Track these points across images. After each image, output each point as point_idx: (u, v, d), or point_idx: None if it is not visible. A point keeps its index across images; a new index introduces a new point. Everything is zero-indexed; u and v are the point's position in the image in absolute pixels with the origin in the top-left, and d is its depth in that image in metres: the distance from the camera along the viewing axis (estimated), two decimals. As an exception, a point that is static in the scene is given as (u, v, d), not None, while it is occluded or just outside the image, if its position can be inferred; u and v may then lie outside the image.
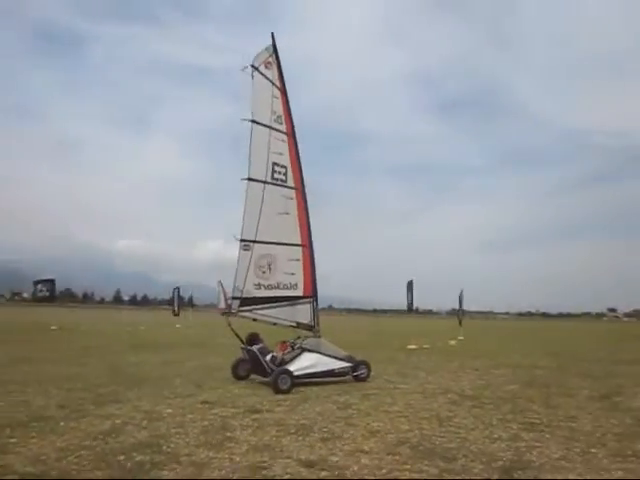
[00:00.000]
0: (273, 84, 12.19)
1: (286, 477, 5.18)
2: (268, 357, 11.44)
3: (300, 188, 12.40)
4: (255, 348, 11.52)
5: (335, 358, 12.02)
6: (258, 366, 11.42)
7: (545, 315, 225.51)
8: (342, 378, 11.90)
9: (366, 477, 5.27)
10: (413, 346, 23.93)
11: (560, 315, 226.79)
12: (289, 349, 11.79)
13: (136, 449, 5.98)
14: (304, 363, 11.26)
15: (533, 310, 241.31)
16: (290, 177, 12.27)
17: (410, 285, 28.06)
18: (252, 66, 11.84)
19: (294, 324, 12.28)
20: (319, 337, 12.36)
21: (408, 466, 5.62)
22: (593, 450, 6.49)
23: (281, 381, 10.52)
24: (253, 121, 11.75)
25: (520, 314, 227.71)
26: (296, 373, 10.90)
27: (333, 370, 11.82)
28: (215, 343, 23.78)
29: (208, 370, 13.54)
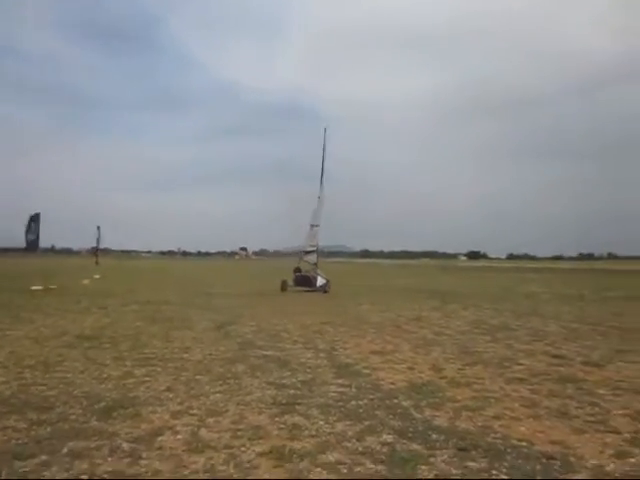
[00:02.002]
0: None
1: None
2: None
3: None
4: (305, 273, 24.43)
5: (323, 278, 24.01)
6: (307, 282, 23.73)
7: (185, 254, 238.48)
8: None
9: None
10: (38, 287, 21.73)
11: (199, 254, 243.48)
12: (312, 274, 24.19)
13: None
14: (321, 281, 23.71)
15: (175, 249, 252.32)
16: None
17: (35, 219, 24.82)
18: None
19: (312, 263, 24.77)
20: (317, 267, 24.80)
21: (-11, 425, 4.83)
22: (198, 377, 6.86)
23: (327, 288, 23.37)
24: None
25: (162, 253, 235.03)
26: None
27: (326, 284, 23.75)
28: None
29: None
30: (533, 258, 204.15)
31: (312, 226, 24.82)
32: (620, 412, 5.46)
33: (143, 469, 3.92)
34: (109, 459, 4.10)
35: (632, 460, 4.19)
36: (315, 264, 24.80)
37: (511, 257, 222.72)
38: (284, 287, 23.71)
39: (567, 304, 18.36)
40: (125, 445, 4.39)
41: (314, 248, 25.09)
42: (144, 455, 4.18)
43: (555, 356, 8.60)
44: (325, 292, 22.78)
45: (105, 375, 6.89)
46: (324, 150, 25.02)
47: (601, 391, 6.32)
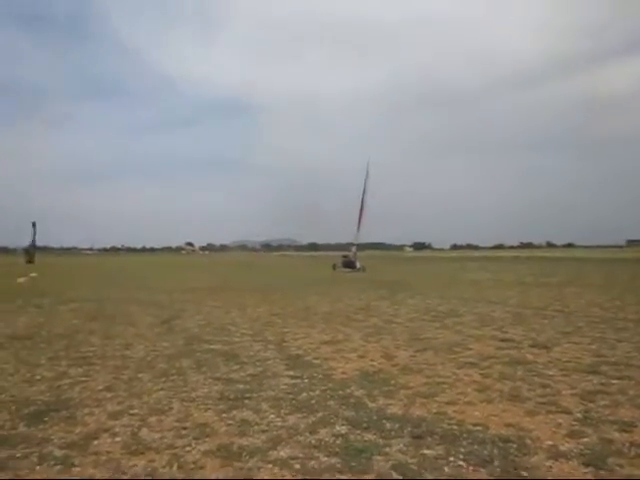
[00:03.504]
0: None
1: None
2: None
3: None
4: (349, 258, 38.33)
5: (359, 263, 37.12)
6: (350, 265, 36.68)
7: (130, 250, 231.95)
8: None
9: None
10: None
11: (144, 249, 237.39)
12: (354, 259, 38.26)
13: None
14: (359, 264, 36.82)
15: (119, 245, 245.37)
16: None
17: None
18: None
19: (354, 253, 39.32)
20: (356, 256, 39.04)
21: None
22: (140, 375, 6.48)
23: (363, 270, 35.51)
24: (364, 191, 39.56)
25: (105, 249, 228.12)
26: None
27: (363, 267, 36.30)
28: None
29: None
30: (476, 247, 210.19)
31: (358, 228, 38.34)
32: (569, 392, 5.49)
33: (76, 477, 3.58)
34: (37, 468, 3.74)
35: (585, 440, 4.17)
36: (355, 253, 38.71)
37: (455, 247, 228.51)
38: (334, 268, 36.92)
39: (510, 290, 18.79)
40: (56, 452, 4.02)
41: (355, 243, 39.33)
42: (77, 462, 3.83)
43: (503, 340, 8.67)
44: (364, 271, 34.64)
45: (37, 377, 6.40)
46: (366, 178, 38.13)
47: (550, 372, 6.37)
